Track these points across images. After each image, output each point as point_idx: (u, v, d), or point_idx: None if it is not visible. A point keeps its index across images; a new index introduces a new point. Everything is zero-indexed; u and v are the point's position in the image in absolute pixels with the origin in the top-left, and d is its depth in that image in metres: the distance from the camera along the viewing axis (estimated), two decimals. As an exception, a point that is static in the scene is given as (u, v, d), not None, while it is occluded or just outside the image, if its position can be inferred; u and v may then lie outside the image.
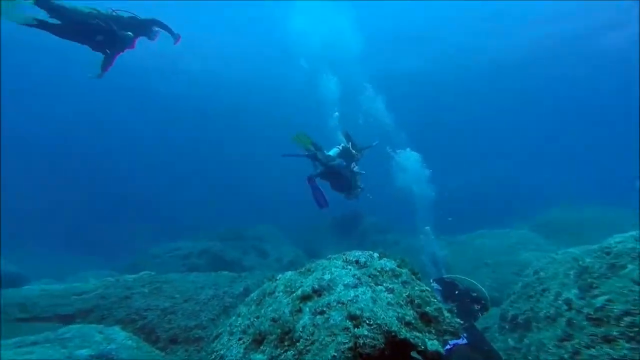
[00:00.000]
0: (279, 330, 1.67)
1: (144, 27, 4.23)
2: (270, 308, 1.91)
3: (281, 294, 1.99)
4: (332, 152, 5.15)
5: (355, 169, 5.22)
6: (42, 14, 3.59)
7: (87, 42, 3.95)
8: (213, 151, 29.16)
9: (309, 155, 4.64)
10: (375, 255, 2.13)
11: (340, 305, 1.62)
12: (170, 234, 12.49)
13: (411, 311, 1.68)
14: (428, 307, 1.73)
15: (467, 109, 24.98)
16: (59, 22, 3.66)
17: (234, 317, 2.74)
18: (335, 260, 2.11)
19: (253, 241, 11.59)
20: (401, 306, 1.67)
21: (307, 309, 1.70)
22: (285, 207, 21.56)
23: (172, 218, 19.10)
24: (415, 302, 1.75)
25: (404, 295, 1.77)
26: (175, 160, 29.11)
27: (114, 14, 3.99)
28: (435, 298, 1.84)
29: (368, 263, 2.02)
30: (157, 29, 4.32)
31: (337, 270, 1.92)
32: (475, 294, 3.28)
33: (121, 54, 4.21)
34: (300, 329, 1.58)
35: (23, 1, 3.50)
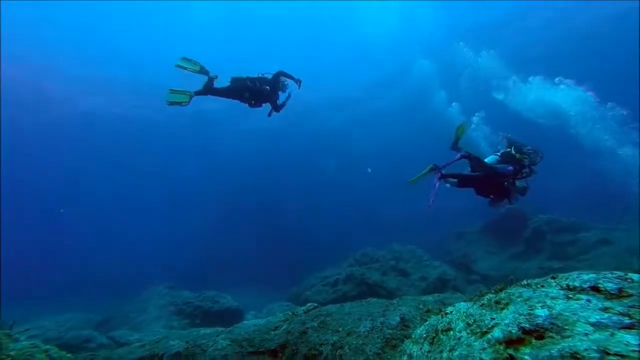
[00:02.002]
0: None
1: (279, 79, 5.14)
2: (456, 353, 1.59)
3: (464, 333, 1.64)
4: (490, 159, 4.69)
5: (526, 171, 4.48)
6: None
7: (240, 99, 5.05)
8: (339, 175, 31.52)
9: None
10: (635, 276, 1.44)
11: (615, 358, 1.12)
12: (316, 262, 14.11)
13: None
14: None
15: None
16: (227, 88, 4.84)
17: (405, 357, 2.58)
18: (544, 288, 1.57)
19: (390, 261, 11.37)
20: None
21: (528, 358, 1.28)
22: (419, 220, 20.13)
23: (314, 246, 21.59)
24: None
25: None
26: (309, 190, 33.01)
27: (261, 75, 5.08)
28: None
29: (627, 289, 1.36)
30: (284, 78, 5.14)
31: (560, 303, 1.39)
32: None
33: (280, 108, 5.19)
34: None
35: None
